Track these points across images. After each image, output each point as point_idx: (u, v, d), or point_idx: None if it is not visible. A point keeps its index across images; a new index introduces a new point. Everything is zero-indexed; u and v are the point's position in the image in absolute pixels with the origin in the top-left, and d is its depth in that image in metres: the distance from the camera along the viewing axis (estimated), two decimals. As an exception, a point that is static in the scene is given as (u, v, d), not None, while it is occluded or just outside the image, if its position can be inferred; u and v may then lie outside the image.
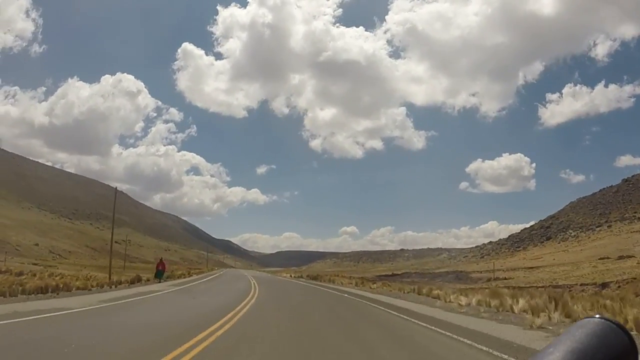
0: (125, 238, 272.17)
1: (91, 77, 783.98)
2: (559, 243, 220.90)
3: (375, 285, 42.90)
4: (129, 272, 79.36)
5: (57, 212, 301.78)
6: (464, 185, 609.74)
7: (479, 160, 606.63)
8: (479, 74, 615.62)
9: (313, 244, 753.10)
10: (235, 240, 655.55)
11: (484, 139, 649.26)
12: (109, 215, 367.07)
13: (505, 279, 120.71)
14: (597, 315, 1.27)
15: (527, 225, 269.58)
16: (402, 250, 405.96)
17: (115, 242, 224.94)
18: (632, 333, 1.25)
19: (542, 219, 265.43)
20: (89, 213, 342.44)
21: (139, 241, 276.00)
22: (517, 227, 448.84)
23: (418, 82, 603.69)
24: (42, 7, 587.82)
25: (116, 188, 53.87)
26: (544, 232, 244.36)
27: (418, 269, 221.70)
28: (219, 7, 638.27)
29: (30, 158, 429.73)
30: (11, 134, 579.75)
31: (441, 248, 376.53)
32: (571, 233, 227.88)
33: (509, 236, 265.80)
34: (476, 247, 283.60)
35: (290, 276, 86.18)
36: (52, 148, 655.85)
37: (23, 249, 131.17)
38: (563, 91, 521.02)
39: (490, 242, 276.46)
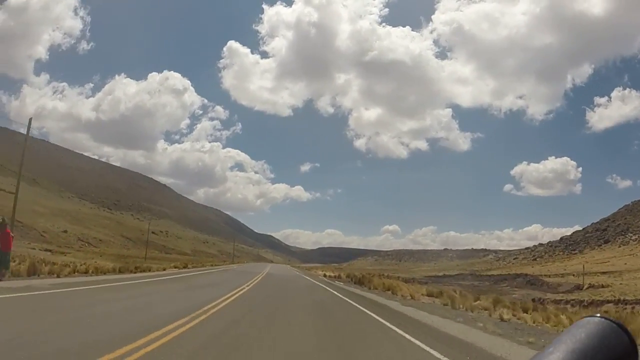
0: (163, 229, 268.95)
1: (138, 75, 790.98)
2: (619, 247, 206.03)
3: (477, 301, 23.26)
4: (156, 262, 70.73)
5: (99, 203, 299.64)
6: (508, 187, 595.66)
7: (525, 163, 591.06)
8: (526, 75, 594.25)
9: (354, 242, 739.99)
10: (277, 235, 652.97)
11: (530, 142, 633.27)
12: (151, 207, 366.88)
13: (602, 286, 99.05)
14: (598, 315, 1.26)
15: (579, 228, 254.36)
16: (445, 250, 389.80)
17: (153, 232, 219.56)
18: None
19: (595, 221, 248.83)
20: (130, 204, 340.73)
21: (178, 233, 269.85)
22: (561, 231, 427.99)
23: (464, 83, 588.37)
24: (90, 5, 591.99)
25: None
26: (600, 235, 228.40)
27: (467, 270, 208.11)
28: (264, 6, 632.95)
29: (75, 150, 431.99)
30: (58, 127, 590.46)
31: (486, 249, 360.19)
32: (631, 236, 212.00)
33: (561, 239, 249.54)
34: (526, 249, 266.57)
35: (326, 275, 63.42)
36: (98, 142, 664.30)
37: (49, 235, 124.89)
38: (612, 95, 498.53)
39: (541, 244, 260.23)
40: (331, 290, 30.29)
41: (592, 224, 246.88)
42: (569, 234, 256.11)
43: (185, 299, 16.37)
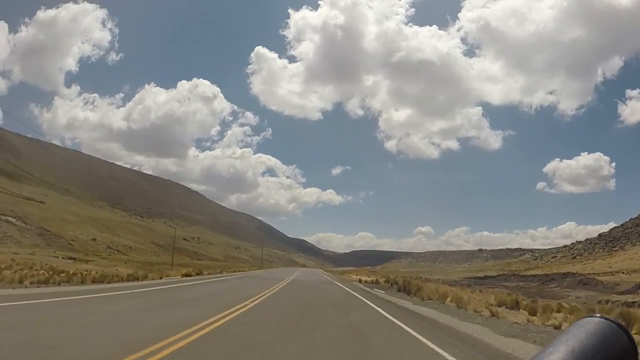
0: (194, 236, 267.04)
1: (167, 83, 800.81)
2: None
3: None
4: (184, 268, 66.77)
5: (131, 211, 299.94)
6: (541, 185, 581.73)
7: (557, 159, 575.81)
8: (556, 70, 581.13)
9: (387, 244, 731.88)
10: (309, 239, 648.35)
11: (562, 138, 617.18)
12: (183, 214, 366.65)
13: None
14: (598, 315, 1.25)
15: (615, 225, 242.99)
16: (480, 250, 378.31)
17: (184, 239, 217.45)
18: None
19: (634, 217, 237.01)
20: (162, 212, 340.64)
21: (209, 239, 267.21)
22: (595, 228, 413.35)
23: (493, 80, 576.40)
24: (118, 17, 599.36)
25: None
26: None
27: (505, 270, 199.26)
28: (290, 11, 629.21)
29: (107, 160, 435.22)
30: (90, 137, 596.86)
31: (521, 248, 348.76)
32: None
33: (599, 235, 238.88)
34: (564, 247, 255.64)
35: (362, 280, 53.99)
36: (130, 151, 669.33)
37: (77, 243, 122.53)
38: None
39: (579, 241, 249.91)
40: (373, 304, 21.37)
41: (631, 219, 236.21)
42: (604, 230, 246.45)
43: (120, 331, 9.96)
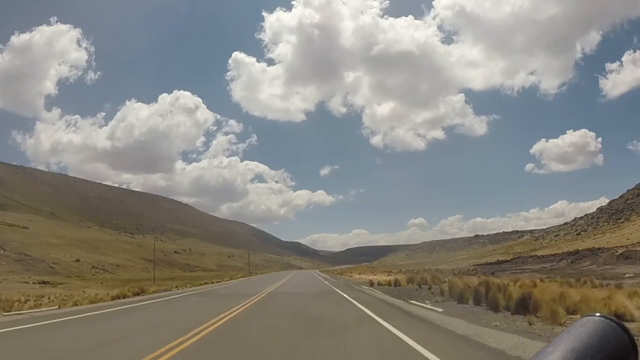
0: (186, 248, 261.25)
1: (148, 98, 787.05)
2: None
3: None
4: (169, 283, 61.83)
5: (121, 229, 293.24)
6: (529, 166, 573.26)
7: (543, 140, 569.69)
8: (535, 50, 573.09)
9: (382, 239, 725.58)
10: (304, 241, 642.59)
11: (547, 118, 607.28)
12: (175, 228, 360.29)
13: None
14: (598, 314, 1.24)
15: (606, 200, 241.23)
16: (476, 236, 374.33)
17: (176, 252, 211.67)
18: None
19: (631, 188, 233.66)
20: (153, 227, 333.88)
21: (202, 250, 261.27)
22: (587, 205, 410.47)
23: (474, 65, 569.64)
24: (92, 35, 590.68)
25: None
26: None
27: (508, 253, 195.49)
28: (264, 13, 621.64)
29: (93, 180, 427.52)
30: (76, 160, 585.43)
31: (517, 231, 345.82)
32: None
33: (599, 209, 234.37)
34: (565, 224, 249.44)
35: (372, 283, 37.56)
36: (117, 170, 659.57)
37: (60, 266, 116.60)
38: (623, 59, 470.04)
39: (580, 217, 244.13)
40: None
41: (628, 190, 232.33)
42: (597, 205, 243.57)
43: None
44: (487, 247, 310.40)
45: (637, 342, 1.20)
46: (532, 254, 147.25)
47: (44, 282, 71.21)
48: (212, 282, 57.24)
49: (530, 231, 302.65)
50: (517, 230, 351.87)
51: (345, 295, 26.62)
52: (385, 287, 33.02)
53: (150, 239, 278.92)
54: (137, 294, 28.83)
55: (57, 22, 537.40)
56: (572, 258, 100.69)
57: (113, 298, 25.96)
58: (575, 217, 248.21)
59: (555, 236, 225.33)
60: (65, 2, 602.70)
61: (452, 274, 62.18)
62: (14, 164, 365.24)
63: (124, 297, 27.06)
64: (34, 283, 69.10)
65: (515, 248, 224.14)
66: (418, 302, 20.32)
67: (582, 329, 1.19)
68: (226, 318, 15.01)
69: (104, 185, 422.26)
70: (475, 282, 25.85)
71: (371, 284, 36.88)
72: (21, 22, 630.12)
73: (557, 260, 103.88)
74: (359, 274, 73.89)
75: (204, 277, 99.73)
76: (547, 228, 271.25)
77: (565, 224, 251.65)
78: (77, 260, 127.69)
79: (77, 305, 23.55)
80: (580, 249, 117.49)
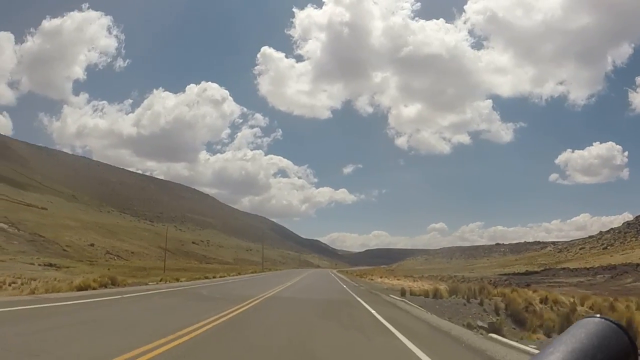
0: (204, 239, 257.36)
1: (176, 87, 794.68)
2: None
3: None
4: (183, 273, 58.46)
5: (141, 216, 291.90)
6: (553, 177, 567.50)
7: (569, 150, 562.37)
8: (565, 59, 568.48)
9: (401, 242, 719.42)
10: (323, 239, 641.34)
11: (574, 129, 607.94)
12: (194, 218, 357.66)
13: None
14: (598, 315, 1.24)
15: (630, 215, 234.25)
16: (497, 245, 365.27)
17: (193, 242, 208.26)
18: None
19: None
20: (173, 216, 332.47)
21: (220, 242, 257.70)
22: (610, 219, 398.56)
23: (503, 72, 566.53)
24: (123, 24, 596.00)
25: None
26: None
27: (533, 264, 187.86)
28: (295, 10, 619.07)
29: (116, 166, 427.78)
30: (101, 145, 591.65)
31: (539, 241, 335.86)
32: None
33: (625, 224, 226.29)
34: (590, 237, 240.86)
35: (404, 291, 28.57)
36: (141, 157, 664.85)
37: (73, 249, 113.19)
38: None
39: (605, 231, 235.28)
40: None
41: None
42: (622, 220, 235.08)
43: None
44: (508, 256, 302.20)
45: (637, 343, 1.20)
46: (560, 266, 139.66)
47: (50, 265, 67.34)
48: (214, 277, 52.32)
49: (553, 243, 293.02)
50: (538, 241, 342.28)
51: (373, 313, 17.49)
52: (421, 299, 24.90)
53: (169, 228, 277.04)
54: (105, 286, 23.50)
55: (88, 8, 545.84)
56: (610, 273, 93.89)
57: (77, 288, 20.73)
58: (601, 231, 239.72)
59: (580, 249, 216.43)
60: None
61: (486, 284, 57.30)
62: (38, 145, 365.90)
63: (87, 289, 21.60)
64: (39, 265, 65.31)
65: (539, 259, 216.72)
66: (504, 338, 12.47)
67: (582, 330, 1.20)
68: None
69: (126, 170, 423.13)
70: (533, 296, 20.28)
71: (403, 293, 28.30)
72: (53, 7, 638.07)
73: (591, 275, 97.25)
74: (381, 277, 68.72)
75: (218, 269, 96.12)
76: (571, 240, 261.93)
77: (591, 237, 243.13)
78: (92, 245, 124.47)
79: (34, 293, 18.54)
80: (613, 263, 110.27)
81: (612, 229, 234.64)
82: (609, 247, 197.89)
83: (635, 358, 1.18)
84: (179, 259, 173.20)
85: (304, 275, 69.93)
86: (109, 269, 69.49)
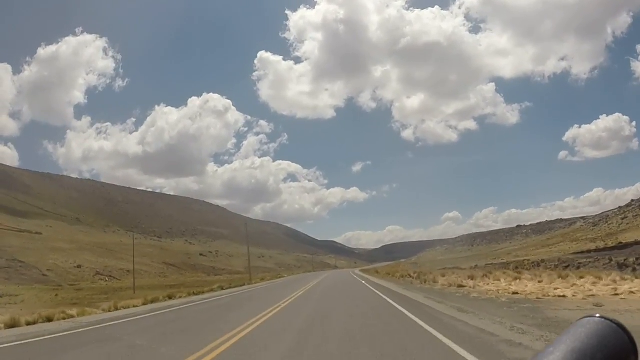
0: (213, 250, 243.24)
1: (177, 102, 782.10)
2: None
3: None
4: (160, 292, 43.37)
5: (150, 233, 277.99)
6: (563, 154, 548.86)
7: (576, 126, 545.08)
8: (565, 35, 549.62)
9: (417, 234, 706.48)
10: (339, 240, 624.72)
11: (579, 104, 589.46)
12: (205, 230, 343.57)
13: None
14: (598, 315, 1.22)
15: None
16: (518, 227, 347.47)
17: (201, 254, 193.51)
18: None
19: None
20: (183, 230, 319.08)
21: (231, 251, 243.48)
22: (623, 192, 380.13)
23: (503, 54, 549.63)
24: (119, 43, 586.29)
25: None
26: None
27: (577, 240, 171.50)
28: (288, 12, 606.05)
29: (122, 185, 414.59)
30: (108, 166, 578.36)
31: (562, 219, 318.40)
32: None
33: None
34: (630, 205, 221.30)
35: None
36: (149, 175, 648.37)
37: (55, 272, 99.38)
38: None
39: (633, 200, 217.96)
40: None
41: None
42: (635, 192, 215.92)
43: None
44: (531, 237, 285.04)
45: (637, 342, 1.18)
46: (623, 238, 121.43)
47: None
48: (195, 293, 36.91)
49: (583, 218, 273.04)
50: (561, 219, 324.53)
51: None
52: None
53: (179, 242, 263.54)
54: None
55: (82, 32, 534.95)
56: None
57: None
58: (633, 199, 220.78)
59: (623, 219, 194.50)
60: (90, 13, 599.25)
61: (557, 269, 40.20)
62: (42, 172, 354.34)
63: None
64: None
65: (571, 236, 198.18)
66: None
67: (582, 329, 1.17)
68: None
69: (133, 189, 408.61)
70: None
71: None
72: (47, 34, 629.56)
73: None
74: (443, 276, 36.82)
75: (215, 281, 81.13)
76: (602, 213, 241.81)
77: (619, 207, 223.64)
78: (79, 267, 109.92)
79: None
80: None
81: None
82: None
83: (636, 358, 1.16)
84: (186, 272, 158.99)
85: (317, 281, 51.45)
86: (56, 295, 55.29)
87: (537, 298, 18.50)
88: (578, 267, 55.66)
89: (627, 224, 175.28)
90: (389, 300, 21.50)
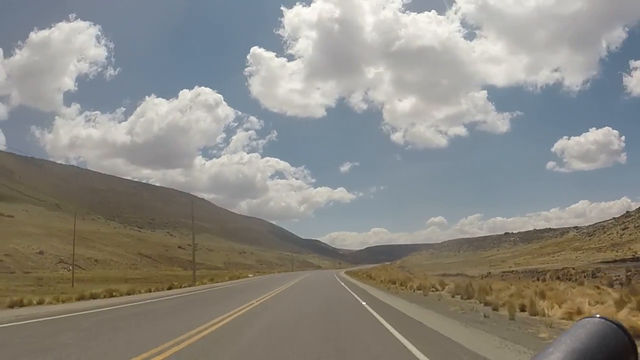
0: (191, 243, 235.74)
1: (168, 93, 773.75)
2: None
3: None
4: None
5: (131, 223, 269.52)
6: (550, 165, 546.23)
7: (565, 137, 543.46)
8: (559, 45, 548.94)
9: (401, 238, 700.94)
10: (323, 239, 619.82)
11: (569, 115, 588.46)
12: (189, 223, 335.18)
13: None
14: (598, 315, 1.21)
15: (629, 199, 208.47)
16: (506, 234, 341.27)
17: (180, 247, 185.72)
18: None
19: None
20: (166, 222, 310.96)
21: (211, 245, 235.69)
22: (608, 205, 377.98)
23: (496, 62, 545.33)
24: (112, 32, 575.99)
25: None
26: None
27: (564, 249, 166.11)
28: (283, 8, 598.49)
29: (106, 173, 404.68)
30: (95, 155, 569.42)
31: (551, 228, 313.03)
32: None
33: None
34: (625, 216, 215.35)
35: None
36: (136, 165, 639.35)
37: (12, 258, 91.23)
38: None
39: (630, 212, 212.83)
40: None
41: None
42: (620, 206, 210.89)
43: None
44: (519, 246, 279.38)
45: (637, 343, 1.16)
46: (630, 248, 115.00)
47: None
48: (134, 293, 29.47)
49: (576, 227, 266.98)
50: (549, 228, 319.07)
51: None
52: None
53: (157, 234, 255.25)
54: None
55: (76, 18, 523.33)
56: None
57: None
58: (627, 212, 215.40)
59: (624, 229, 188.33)
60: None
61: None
62: (25, 155, 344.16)
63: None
64: None
65: (564, 245, 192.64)
66: None
67: (582, 330, 1.16)
68: None
69: (118, 178, 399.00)
70: None
71: None
72: (40, 18, 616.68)
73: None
74: (490, 291, 21.52)
75: (185, 277, 74.58)
76: (595, 223, 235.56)
77: (613, 218, 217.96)
78: (40, 253, 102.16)
79: None
80: None
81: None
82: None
83: (636, 358, 1.15)
84: (162, 265, 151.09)
85: (295, 281, 42.24)
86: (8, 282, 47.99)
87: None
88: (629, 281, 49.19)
89: (630, 234, 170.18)
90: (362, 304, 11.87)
